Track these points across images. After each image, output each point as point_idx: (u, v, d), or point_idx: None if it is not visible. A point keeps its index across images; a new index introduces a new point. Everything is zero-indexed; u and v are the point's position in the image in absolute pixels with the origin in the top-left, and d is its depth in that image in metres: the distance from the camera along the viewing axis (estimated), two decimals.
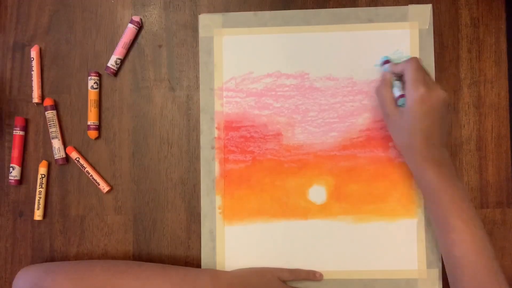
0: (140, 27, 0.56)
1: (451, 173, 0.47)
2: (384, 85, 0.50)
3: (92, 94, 0.55)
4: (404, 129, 0.47)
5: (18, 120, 0.55)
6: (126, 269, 0.49)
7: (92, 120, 0.55)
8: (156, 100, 0.56)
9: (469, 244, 0.44)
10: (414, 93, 0.46)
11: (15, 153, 0.55)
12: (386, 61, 0.53)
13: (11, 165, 0.55)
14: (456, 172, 0.48)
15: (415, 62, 0.48)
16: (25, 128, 0.56)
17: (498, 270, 0.43)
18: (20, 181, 0.56)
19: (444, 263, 0.47)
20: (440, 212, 0.46)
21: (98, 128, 0.56)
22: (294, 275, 0.52)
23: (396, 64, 0.51)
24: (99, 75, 0.56)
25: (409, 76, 0.47)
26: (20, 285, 0.49)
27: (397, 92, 0.50)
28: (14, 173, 0.55)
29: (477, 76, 0.55)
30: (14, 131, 0.55)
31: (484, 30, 0.55)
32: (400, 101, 0.49)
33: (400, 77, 0.50)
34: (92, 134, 0.55)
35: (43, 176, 0.55)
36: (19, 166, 0.55)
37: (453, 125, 0.54)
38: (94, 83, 0.55)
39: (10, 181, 0.55)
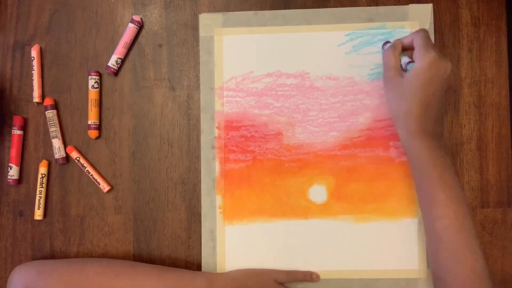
0: (140, 26, 0.56)
1: (442, 148, 0.47)
2: (392, 48, 0.50)
3: (93, 94, 0.55)
4: (404, 95, 0.47)
5: (17, 120, 0.55)
6: (121, 272, 0.48)
7: (92, 119, 0.55)
8: (157, 100, 0.56)
9: (451, 220, 0.44)
10: (425, 56, 0.45)
11: (13, 152, 0.55)
12: (387, 42, 0.53)
13: (9, 164, 0.55)
14: (447, 150, 0.48)
15: (425, 31, 0.48)
16: (24, 128, 0.56)
17: (477, 249, 0.44)
18: (18, 181, 0.56)
19: (426, 236, 0.47)
20: (427, 184, 0.46)
21: (99, 127, 0.56)
22: (291, 277, 0.52)
23: (405, 37, 0.50)
24: (100, 75, 0.56)
25: (420, 41, 0.47)
26: (13, 284, 0.49)
27: (405, 59, 0.49)
28: (12, 172, 0.55)
29: (477, 76, 0.55)
30: (12, 130, 0.55)
31: (484, 30, 0.55)
32: (408, 66, 0.48)
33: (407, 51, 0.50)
34: (93, 133, 0.55)
35: (43, 175, 0.55)
36: (17, 166, 0.55)
37: (453, 124, 0.54)
38: (95, 82, 0.55)
39: (8, 180, 0.55)
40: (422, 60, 0.45)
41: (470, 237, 0.44)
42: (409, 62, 0.48)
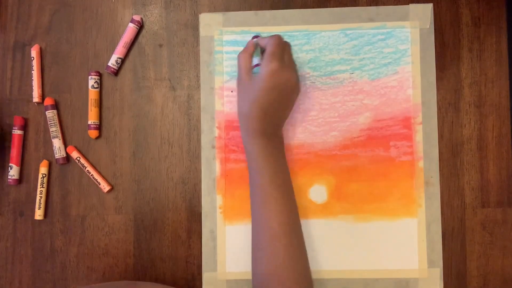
0: (140, 26, 0.56)
1: (278, 150, 0.50)
2: (245, 51, 0.51)
3: (93, 94, 0.55)
4: (248, 97, 0.49)
5: (17, 120, 0.55)
6: None
7: (92, 119, 0.55)
8: (157, 100, 0.56)
9: (285, 216, 0.47)
10: (267, 65, 0.47)
11: (14, 152, 0.55)
12: (256, 36, 0.54)
13: (9, 164, 0.55)
14: (284, 153, 0.51)
15: (277, 38, 0.50)
16: (24, 128, 0.56)
17: (303, 244, 0.48)
18: (19, 181, 0.56)
19: (255, 235, 0.48)
20: (263, 182, 0.47)
21: (99, 127, 0.56)
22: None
23: (263, 38, 0.52)
24: (100, 75, 0.56)
25: (268, 49, 0.49)
26: None
27: (255, 61, 0.52)
28: (12, 172, 0.55)
29: (478, 76, 0.55)
30: (13, 130, 0.55)
31: (485, 30, 0.55)
32: (255, 70, 0.51)
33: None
34: (93, 133, 0.55)
35: (44, 175, 0.55)
36: (18, 166, 0.55)
37: (454, 124, 0.54)
38: (95, 82, 0.55)
39: (9, 180, 0.55)
40: (266, 67, 0.47)
41: (300, 233, 0.48)
42: (256, 65, 0.51)
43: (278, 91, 0.47)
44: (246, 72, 0.50)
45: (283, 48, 0.49)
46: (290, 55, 0.51)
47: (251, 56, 0.51)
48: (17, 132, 0.55)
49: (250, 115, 0.48)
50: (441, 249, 0.53)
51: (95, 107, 0.55)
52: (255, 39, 0.53)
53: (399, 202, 0.53)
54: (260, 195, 0.48)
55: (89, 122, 0.55)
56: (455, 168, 0.54)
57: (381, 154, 0.54)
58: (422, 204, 0.53)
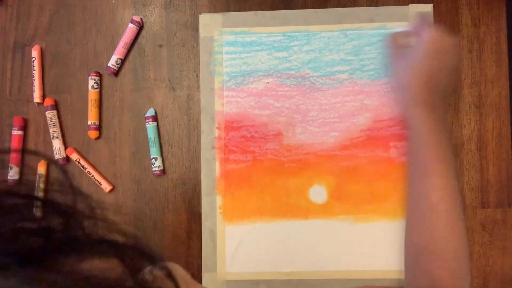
0: (140, 27, 0.56)
1: (443, 121, 0.47)
2: (396, 32, 0.50)
3: (93, 94, 0.55)
4: (408, 65, 0.46)
5: (17, 120, 0.55)
6: None
7: (92, 120, 0.55)
8: (157, 100, 0.56)
9: (448, 191, 0.44)
10: (430, 30, 0.45)
11: (14, 153, 0.55)
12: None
13: (9, 165, 0.55)
14: (448, 124, 0.47)
15: (427, 16, 0.49)
16: (24, 128, 0.56)
17: (464, 224, 0.44)
18: (19, 181, 0.55)
19: (412, 207, 0.46)
20: (425, 153, 0.45)
21: (99, 128, 0.56)
22: None
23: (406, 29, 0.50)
24: (100, 75, 0.56)
25: (423, 20, 0.47)
26: None
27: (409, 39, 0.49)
28: (12, 173, 0.55)
29: (477, 76, 0.55)
30: (13, 131, 0.55)
31: (484, 30, 0.55)
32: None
33: None
34: (93, 134, 0.55)
35: (40, 176, 0.55)
36: (18, 166, 0.55)
37: (453, 124, 0.54)
38: (95, 83, 0.55)
39: (9, 181, 0.55)
40: (428, 32, 0.45)
41: (462, 213, 0.44)
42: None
43: (441, 56, 0.45)
44: (400, 46, 0.48)
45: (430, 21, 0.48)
46: None
47: (401, 36, 0.49)
48: (17, 132, 0.55)
49: (412, 82, 0.45)
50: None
51: (95, 107, 0.55)
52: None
53: (399, 203, 0.53)
54: (421, 166, 0.45)
55: (89, 123, 0.55)
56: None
57: (381, 154, 0.54)
58: None
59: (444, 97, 0.47)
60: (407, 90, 0.46)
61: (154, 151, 0.55)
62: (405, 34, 0.49)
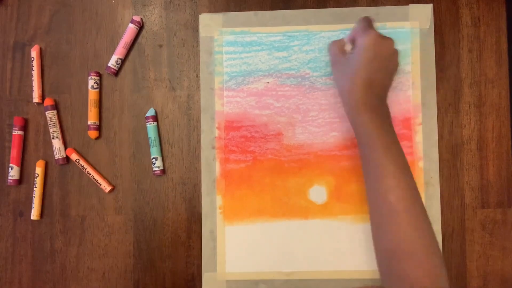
0: (140, 27, 0.56)
1: (388, 121, 0.47)
2: (334, 41, 0.51)
3: (93, 94, 0.55)
4: (349, 72, 0.47)
5: (17, 120, 0.55)
6: None
7: (92, 120, 0.55)
8: (157, 100, 0.56)
9: (405, 190, 0.44)
10: (365, 36, 0.47)
11: (14, 153, 0.55)
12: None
13: (10, 165, 0.55)
14: (392, 125, 0.47)
15: (366, 18, 0.49)
16: (24, 128, 0.56)
17: (428, 218, 0.44)
18: (19, 181, 0.56)
19: (373, 212, 0.46)
20: (376, 157, 0.45)
21: (99, 128, 0.56)
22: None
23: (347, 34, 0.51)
24: (99, 75, 0.56)
25: (361, 25, 0.48)
26: None
27: (348, 45, 0.50)
28: (13, 173, 0.55)
29: (478, 76, 0.55)
30: (13, 131, 0.55)
31: (485, 30, 0.55)
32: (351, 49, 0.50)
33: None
34: (93, 134, 0.55)
35: (37, 175, 0.55)
36: (18, 166, 0.55)
37: (453, 125, 0.54)
38: (94, 83, 0.55)
39: (9, 181, 0.55)
40: (364, 37, 0.47)
41: (423, 208, 0.44)
42: (352, 48, 0.50)
43: (379, 61, 0.46)
44: (340, 52, 0.50)
45: (372, 24, 0.49)
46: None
47: (341, 43, 0.51)
48: (17, 132, 0.55)
49: (353, 88, 0.46)
50: (441, 249, 0.53)
51: (95, 107, 0.55)
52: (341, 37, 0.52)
53: None
54: (374, 170, 0.45)
55: (89, 123, 0.55)
56: (455, 169, 0.54)
57: None
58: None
59: (383, 98, 0.48)
60: (350, 95, 0.47)
61: (154, 151, 0.55)
62: (347, 40, 0.51)
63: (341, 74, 0.49)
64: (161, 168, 0.55)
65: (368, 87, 0.46)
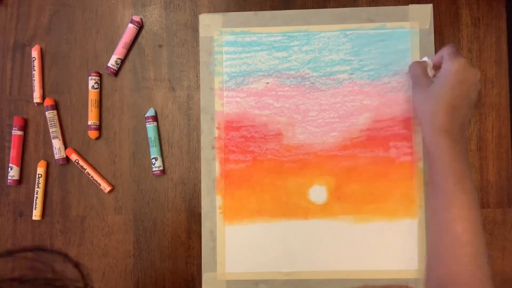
0: (140, 27, 0.56)
1: (464, 151, 0.46)
2: (417, 62, 0.51)
3: (93, 94, 0.55)
4: (432, 95, 0.47)
5: (17, 120, 0.55)
6: None
7: (92, 120, 0.55)
8: (157, 100, 0.56)
9: (471, 223, 0.43)
10: (455, 60, 0.46)
11: (14, 153, 0.55)
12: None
13: (9, 165, 0.55)
14: (468, 156, 0.47)
15: (453, 44, 0.49)
16: (24, 128, 0.56)
17: (487, 254, 0.44)
18: (19, 181, 0.56)
19: (435, 240, 0.45)
20: (447, 184, 0.45)
21: (99, 128, 0.56)
22: None
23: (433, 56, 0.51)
24: (100, 75, 0.56)
25: (449, 49, 0.48)
26: None
27: (432, 70, 0.50)
28: (12, 173, 0.55)
29: None
30: (13, 131, 0.55)
31: (484, 30, 0.55)
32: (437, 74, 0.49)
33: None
34: (93, 134, 0.55)
35: (39, 176, 0.55)
36: (18, 166, 0.55)
37: None
38: (95, 83, 0.55)
39: (9, 181, 0.55)
40: (453, 62, 0.46)
41: (485, 243, 0.44)
42: (437, 71, 0.49)
43: (465, 87, 0.46)
44: (424, 76, 0.50)
45: (459, 51, 0.49)
46: None
47: (424, 65, 0.51)
48: (17, 132, 0.55)
49: (437, 112, 0.46)
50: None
51: (95, 107, 0.55)
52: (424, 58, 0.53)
53: (399, 203, 0.53)
54: (444, 197, 0.45)
55: (89, 123, 0.55)
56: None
57: (381, 154, 0.54)
58: (422, 205, 0.53)
59: (464, 127, 0.47)
60: (431, 119, 0.46)
61: (154, 151, 0.55)
62: (430, 63, 0.51)
63: (423, 96, 0.48)
64: (161, 168, 0.55)
65: (451, 112, 0.46)
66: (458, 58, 0.46)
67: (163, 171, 0.55)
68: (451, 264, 0.43)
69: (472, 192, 0.45)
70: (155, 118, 0.55)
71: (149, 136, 0.55)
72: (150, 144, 0.55)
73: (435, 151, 0.46)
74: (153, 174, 0.55)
